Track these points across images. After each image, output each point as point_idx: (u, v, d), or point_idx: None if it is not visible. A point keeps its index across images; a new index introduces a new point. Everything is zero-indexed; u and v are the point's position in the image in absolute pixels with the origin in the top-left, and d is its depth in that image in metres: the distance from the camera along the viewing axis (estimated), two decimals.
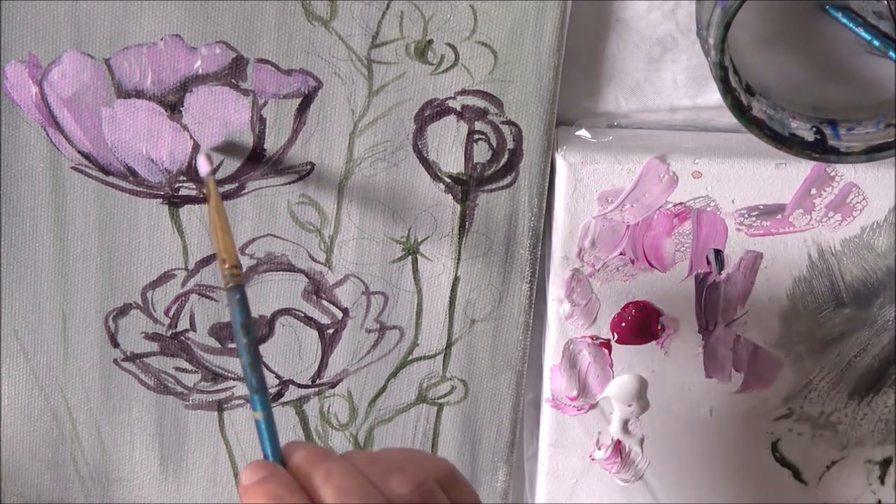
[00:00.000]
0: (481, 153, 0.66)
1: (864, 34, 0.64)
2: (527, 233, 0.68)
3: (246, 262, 0.68)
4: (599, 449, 0.74)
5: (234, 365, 0.71)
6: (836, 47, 0.66)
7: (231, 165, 0.65)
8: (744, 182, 0.67)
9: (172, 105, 0.64)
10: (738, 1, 0.58)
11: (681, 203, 0.67)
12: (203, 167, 0.63)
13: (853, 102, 0.67)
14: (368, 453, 0.56)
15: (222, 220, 0.60)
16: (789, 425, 0.74)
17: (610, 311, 0.70)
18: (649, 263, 0.69)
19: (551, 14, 0.63)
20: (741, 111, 0.62)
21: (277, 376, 0.71)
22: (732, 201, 0.67)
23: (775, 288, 0.70)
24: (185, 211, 0.66)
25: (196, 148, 0.64)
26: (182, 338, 0.70)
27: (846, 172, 0.67)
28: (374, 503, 0.50)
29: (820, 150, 0.64)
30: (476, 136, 0.66)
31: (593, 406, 0.73)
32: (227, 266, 0.57)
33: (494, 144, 0.66)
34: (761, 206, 0.68)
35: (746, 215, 0.68)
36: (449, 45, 0.64)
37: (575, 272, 0.69)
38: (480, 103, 0.65)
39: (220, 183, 0.66)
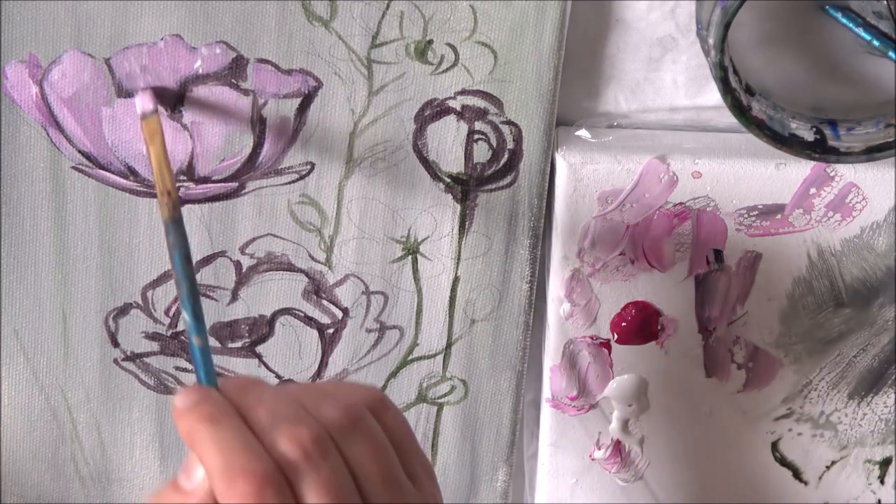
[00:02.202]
0: (481, 153, 0.66)
1: (864, 34, 0.64)
2: (527, 233, 0.68)
3: (246, 262, 0.68)
4: (599, 449, 0.74)
5: (234, 365, 0.71)
6: (836, 47, 0.66)
7: (231, 165, 0.65)
8: (743, 182, 0.67)
9: (172, 105, 0.64)
10: (738, 1, 0.58)
11: (681, 203, 0.67)
12: (147, 104, 0.62)
13: (853, 102, 0.67)
14: (301, 384, 0.56)
15: (167, 157, 0.59)
16: (789, 425, 0.74)
17: (610, 311, 0.70)
18: (649, 263, 0.69)
19: (551, 14, 0.63)
20: (741, 111, 0.62)
21: (278, 376, 0.71)
22: (732, 201, 0.67)
23: (775, 288, 0.70)
24: (185, 211, 0.66)
25: (195, 148, 0.65)
26: (182, 337, 0.70)
27: (846, 172, 0.67)
28: (307, 426, 0.51)
29: (820, 150, 0.64)
30: (476, 136, 0.66)
31: (593, 406, 0.73)
32: (167, 200, 0.57)
33: (494, 144, 0.66)
34: (761, 206, 0.68)
35: (746, 215, 0.68)
36: (449, 45, 0.64)
37: (575, 272, 0.69)
38: (480, 103, 0.65)
39: (219, 183, 0.66)
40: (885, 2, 0.64)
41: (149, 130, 0.60)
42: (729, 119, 0.63)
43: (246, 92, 0.64)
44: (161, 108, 0.63)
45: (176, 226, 0.57)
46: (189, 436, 0.51)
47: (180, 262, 0.56)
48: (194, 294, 0.55)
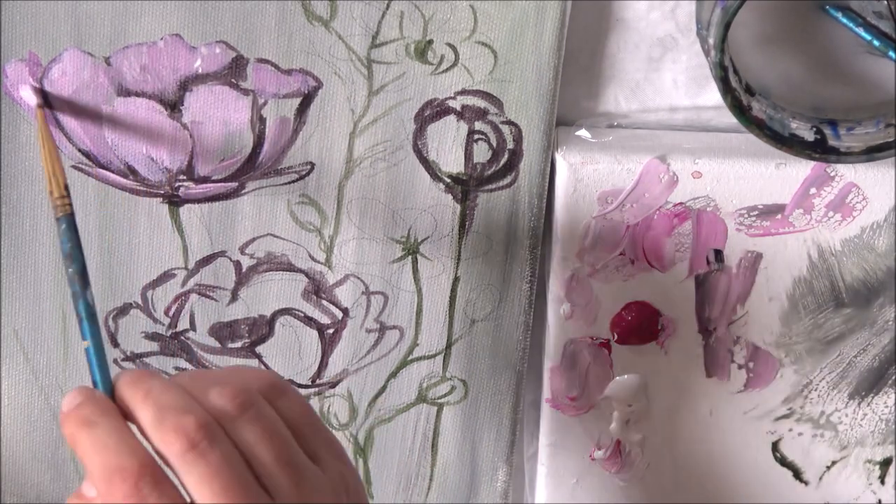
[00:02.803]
0: (481, 153, 0.66)
1: (864, 34, 0.64)
2: (527, 233, 0.68)
3: (246, 262, 0.68)
4: (599, 449, 0.74)
5: (234, 365, 0.71)
6: (836, 47, 0.66)
7: (231, 165, 0.65)
8: (744, 182, 0.67)
9: (172, 104, 0.64)
10: (738, 1, 0.58)
11: (681, 203, 0.67)
12: (31, 98, 0.62)
13: (853, 102, 0.67)
14: (192, 371, 0.56)
15: (55, 150, 0.59)
16: (789, 425, 0.74)
17: (610, 311, 0.70)
18: (649, 263, 0.69)
19: (551, 14, 0.63)
20: (741, 111, 0.62)
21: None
22: (732, 201, 0.67)
23: (775, 288, 0.70)
24: (185, 210, 0.66)
25: (195, 147, 0.65)
26: (182, 337, 0.70)
27: (846, 172, 0.67)
28: (193, 415, 0.50)
29: (820, 150, 0.64)
30: (476, 136, 0.66)
31: (593, 406, 0.73)
32: (56, 196, 0.57)
33: (494, 144, 0.66)
34: (761, 206, 0.68)
35: (746, 215, 0.68)
36: (449, 45, 0.64)
37: (575, 272, 0.69)
38: (480, 103, 0.65)
39: (219, 182, 0.66)
40: (886, 2, 0.64)
41: (41, 124, 0.61)
42: (729, 119, 0.63)
43: (246, 91, 0.64)
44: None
45: (64, 221, 0.57)
46: (72, 440, 0.51)
47: (68, 260, 0.56)
48: (85, 293, 0.55)
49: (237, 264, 0.68)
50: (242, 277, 0.69)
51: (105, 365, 0.54)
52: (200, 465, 0.50)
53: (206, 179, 0.66)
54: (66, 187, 0.58)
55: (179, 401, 0.51)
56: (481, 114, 0.65)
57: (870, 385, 0.73)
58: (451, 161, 0.66)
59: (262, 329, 0.70)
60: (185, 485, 0.50)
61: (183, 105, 0.64)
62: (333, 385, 0.72)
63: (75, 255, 0.56)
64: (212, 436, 0.50)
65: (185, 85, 0.63)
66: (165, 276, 0.68)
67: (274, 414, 0.53)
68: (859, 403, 0.74)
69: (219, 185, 0.66)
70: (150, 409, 0.51)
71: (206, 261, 0.68)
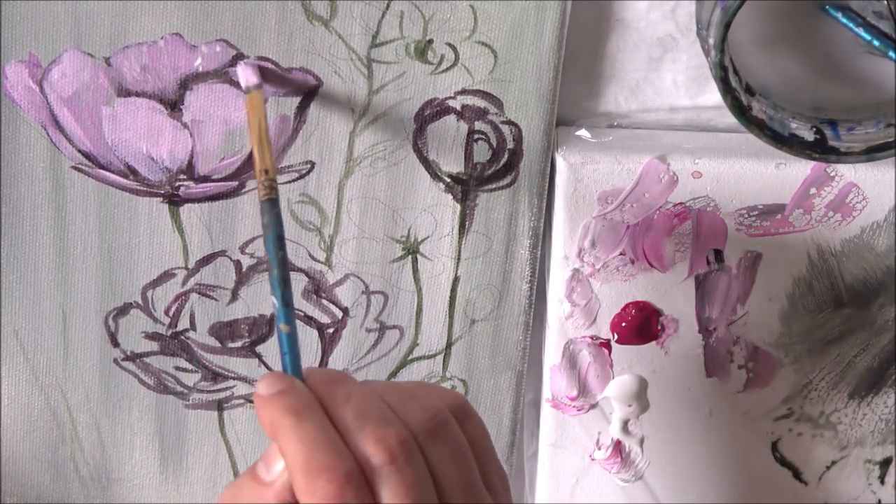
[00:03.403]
0: (481, 153, 0.66)
1: (864, 34, 0.64)
2: (527, 233, 0.68)
3: (246, 262, 0.68)
4: (599, 449, 0.74)
5: (234, 364, 0.71)
6: (836, 47, 0.66)
7: (231, 164, 0.65)
8: (744, 182, 0.67)
9: (173, 103, 0.64)
10: (738, 1, 0.58)
11: (681, 203, 0.67)
12: (251, 78, 0.60)
13: (853, 102, 0.67)
14: (386, 382, 0.56)
15: (267, 135, 0.58)
16: (789, 425, 0.74)
17: (610, 311, 0.70)
18: (649, 263, 0.69)
19: (551, 14, 0.63)
20: (741, 111, 0.62)
21: None
22: (732, 201, 0.67)
23: (775, 288, 0.70)
24: (186, 210, 0.66)
25: (195, 147, 0.65)
26: (182, 337, 0.70)
27: (846, 172, 0.67)
28: (393, 428, 0.50)
29: (820, 150, 0.64)
30: (476, 136, 0.66)
31: (593, 406, 0.73)
32: (265, 179, 0.56)
33: (494, 144, 0.66)
34: (761, 206, 0.68)
35: (746, 215, 0.68)
36: (449, 44, 0.64)
37: (575, 272, 0.69)
38: (480, 103, 0.65)
39: (219, 182, 0.66)
40: (886, 2, 0.64)
41: (251, 104, 0.59)
42: (729, 119, 0.63)
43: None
44: (266, 86, 0.61)
45: (271, 205, 0.55)
46: (271, 426, 0.50)
47: (273, 245, 0.54)
48: (285, 278, 0.54)
49: (237, 264, 0.68)
50: (243, 277, 0.69)
51: (298, 354, 0.53)
52: (395, 479, 0.50)
53: (206, 179, 0.66)
54: (276, 170, 0.57)
55: (380, 410, 0.51)
56: (481, 114, 0.65)
57: (869, 385, 0.73)
58: (451, 161, 0.66)
59: (262, 328, 0.70)
60: (376, 495, 0.50)
61: (183, 104, 0.64)
62: None
63: (283, 240, 0.55)
64: (409, 452, 0.50)
65: (186, 84, 0.63)
66: (165, 276, 0.68)
67: (463, 437, 0.53)
68: (859, 403, 0.74)
69: (219, 184, 0.66)
70: (352, 413, 0.51)
71: (207, 260, 0.68)
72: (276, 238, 0.54)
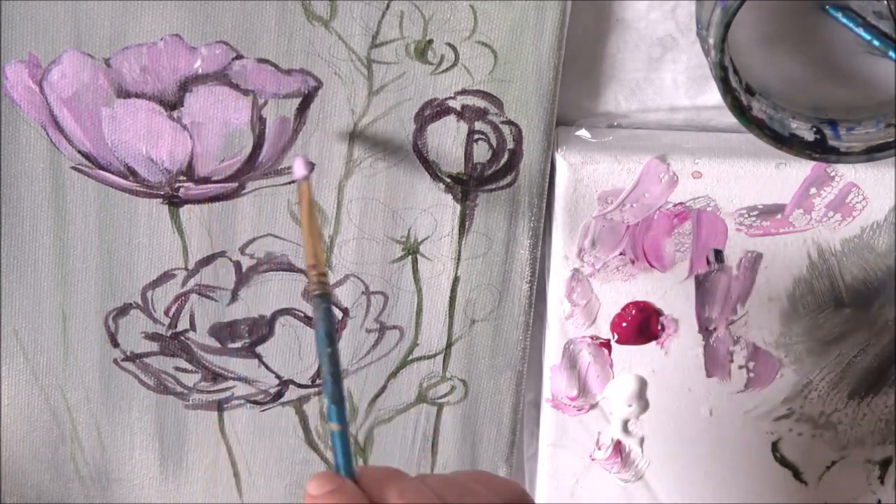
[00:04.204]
0: (481, 153, 0.66)
1: (864, 34, 0.64)
2: (527, 233, 0.68)
3: (246, 262, 0.68)
4: (599, 449, 0.74)
5: (234, 365, 0.71)
6: (836, 47, 0.66)
7: (231, 165, 0.65)
8: (744, 182, 0.67)
9: (172, 105, 0.64)
10: (738, 1, 0.58)
11: (681, 203, 0.67)
12: (300, 170, 0.61)
13: (853, 102, 0.67)
14: (440, 476, 0.55)
15: (314, 226, 0.58)
16: (789, 425, 0.74)
17: (610, 311, 0.70)
18: (649, 263, 0.69)
19: (551, 14, 0.63)
20: (741, 111, 0.62)
21: (277, 376, 0.71)
22: (732, 201, 0.67)
23: (775, 288, 0.70)
24: (185, 211, 0.66)
25: (195, 148, 0.65)
26: (182, 338, 0.70)
27: (846, 172, 0.67)
28: None
29: (820, 150, 0.64)
30: (476, 136, 0.66)
31: (593, 406, 0.73)
32: (315, 273, 0.56)
33: (494, 144, 0.66)
34: (761, 206, 0.68)
35: (746, 215, 0.68)
36: (449, 44, 0.64)
37: (575, 272, 0.69)
38: (480, 103, 0.65)
39: (219, 183, 0.66)
40: (886, 2, 0.64)
41: (302, 194, 0.59)
42: (729, 119, 0.63)
43: (246, 92, 0.64)
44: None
45: (321, 301, 0.55)
46: None
47: (323, 341, 0.54)
48: (336, 376, 0.54)
49: (237, 264, 0.68)
50: (242, 277, 0.69)
51: (350, 452, 0.53)
52: None
53: (206, 180, 0.66)
54: (325, 266, 0.56)
55: None
56: (481, 114, 0.65)
57: (869, 385, 0.73)
58: (451, 161, 0.66)
59: (262, 329, 0.70)
60: None
61: (183, 106, 0.64)
62: None
63: (333, 336, 0.54)
64: None
65: (185, 85, 0.63)
66: (165, 277, 0.68)
67: None
68: (859, 403, 0.74)
69: (219, 185, 0.66)
70: None
71: (206, 261, 0.68)
72: (327, 335, 0.54)
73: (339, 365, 0.55)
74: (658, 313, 0.70)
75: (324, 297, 0.55)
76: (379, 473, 0.53)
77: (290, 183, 0.66)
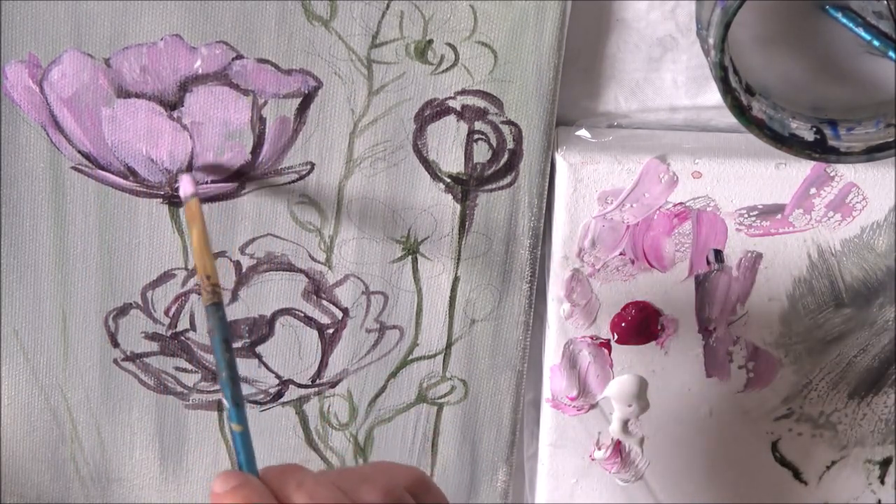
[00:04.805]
0: (481, 153, 0.66)
1: (864, 34, 0.64)
2: (527, 233, 0.68)
3: (246, 262, 0.68)
4: (599, 449, 0.74)
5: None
6: (836, 47, 0.66)
7: (231, 166, 0.65)
8: (744, 182, 0.67)
9: (172, 105, 0.64)
10: (738, 1, 0.58)
11: (681, 203, 0.67)
12: (187, 188, 0.63)
13: (853, 102, 0.67)
14: (340, 468, 0.57)
15: (205, 239, 0.60)
16: (789, 425, 0.74)
17: (610, 311, 0.70)
18: (649, 263, 0.69)
19: (551, 14, 0.63)
20: (741, 111, 0.62)
21: (277, 376, 0.71)
22: (732, 201, 0.67)
23: (775, 288, 0.70)
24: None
25: (194, 148, 0.65)
26: (182, 338, 0.70)
27: (846, 172, 0.67)
28: None
29: (820, 150, 0.64)
30: (476, 136, 0.66)
31: (593, 406, 0.73)
32: (209, 283, 0.58)
33: (494, 144, 0.66)
34: (761, 206, 0.68)
35: (746, 215, 0.68)
36: (449, 44, 0.64)
37: (575, 272, 0.69)
38: (480, 103, 0.65)
39: (219, 183, 0.66)
40: (886, 2, 0.64)
41: (189, 214, 0.62)
42: (729, 119, 0.63)
43: (246, 92, 0.64)
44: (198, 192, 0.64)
45: (215, 309, 0.57)
46: None
47: (220, 347, 0.56)
48: (234, 379, 0.56)
49: (237, 264, 0.68)
50: (242, 277, 0.69)
51: (252, 452, 0.55)
52: None
53: (205, 180, 0.66)
54: (217, 276, 0.59)
55: (332, 494, 0.52)
56: (481, 114, 0.65)
57: (869, 385, 0.73)
58: (451, 161, 0.66)
59: (262, 329, 0.70)
60: None
61: (183, 106, 0.64)
62: (333, 385, 0.72)
63: (229, 342, 0.57)
64: None
65: (185, 85, 0.63)
66: (165, 277, 0.68)
67: None
68: (859, 403, 0.74)
69: (218, 185, 0.66)
70: (303, 499, 0.52)
71: None
72: (223, 341, 0.56)
73: (236, 368, 0.57)
74: (658, 313, 0.70)
75: (217, 305, 0.58)
76: (280, 468, 0.54)
77: (290, 183, 0.66)
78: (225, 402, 0.56)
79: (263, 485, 0.53)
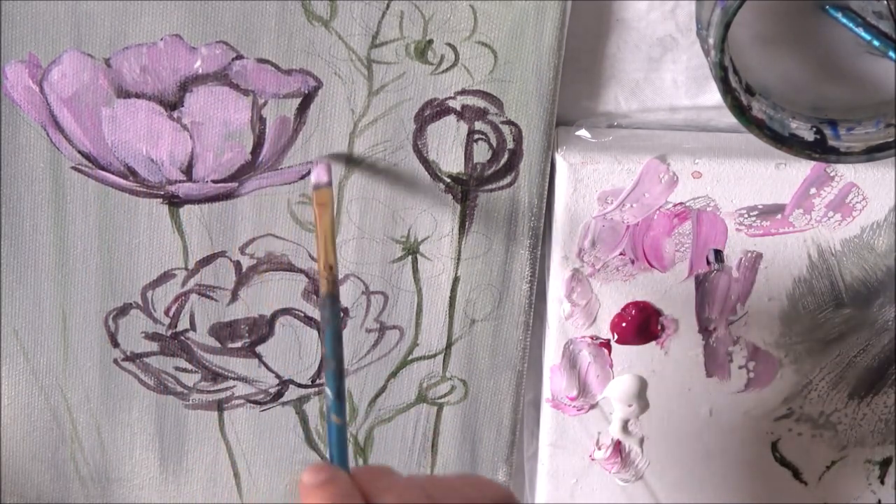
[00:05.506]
0: (481, 153, 0.66)
1: (864, 34, 0.64)
2: (527, 233, 0.68)
3: (246, 262, 0.68)
4: (599, 449, 0.74)
5: (234, 365, 0.71)
6: (836, 47, 0.66)
7: (231, 166, 0.65)
8: (744, 182, 0.67)
9: (172, 105, 0.64)
10: (738, 1, 0.58)
11: (681, 203, 0.67)
12: (322, 176, 0.63)
13: (853, 102, 0.67)
14: (430, 475, 0.57)
15: (332, 229, 0.61)
16: (789, 425, 0.74)
17: (610, 311, 0.70)
18: (649, 263, 0.69)
19: (551, 14, 0.63)
20: (741, 111, 0.62)
21: (277, 376, 0.71)
22: (732, 201, 0.67)
23: (775, 288, 0.70)
24: (185, 211, 0.66)
25: (195, 148, 0.65)
26: (182, 337, 0.70)
27: (846, 172, 0.67)
28: None
29: (820, 150, 0.64)
30: (476, 136, 0.66)
31: (593, 406, 0.73)
32: (328, 274, 0.58)
33: (494, 144, 0.66)
34: (761, 206, 0.68)
35: (746, 215, 0.68)
36: (449, 45, 0.64)
37: (575, 272, 0.69)
38: (480, 103, 0.65)
39: (219, 183, 0.66)
40: (886, 2, 0.64)
41: (318, 202, 0.61)
42: (729, 119, 0.63)
43: (246, 92, 0.64)
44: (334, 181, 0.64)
45: (332, 301, 0.57)
46: None
47: (331, 340, 0.56)
48: (340, 373, 0.56)
49: (237, 264, 0.68)
50: (242, 277, 0.69)
51: (346, 447, 0.55)
52: None
53: (206, 180, 0.66)
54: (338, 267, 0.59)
55: (420, 501, 0.52)
56: (481, 114, 0.65)
57: (869, 385, 0.73)
58: (451, 161, 0.66)
59: (262, 329, 0.70)
60: None
61: (183, 106, 0.64)
62: None
63: (340, 335, 0.57)
64: None
65: (185, 85, 0.63)
66: (165, 277, 0.68)
67: None
68: (859, 403, 0.74)
69: (219, 185, 0.66)
70: (392, 502, 0.52)
71: (206, 261, 0.68)
72: (335, 334, 0.56)
73: (343, 362, 0.57)
74: (658, 313, 0.70)
75: (334, 297, 0.57)
76: (370, 469, 0.54)
77: (290, 183, 0.66)
78: (328, 392, 0.55)
79: (353, 483, 0.52)
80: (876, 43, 0.64)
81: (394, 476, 0.53)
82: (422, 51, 0.64)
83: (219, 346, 0.70)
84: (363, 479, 0.53)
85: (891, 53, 0.64)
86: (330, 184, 0.63)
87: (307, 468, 0.53)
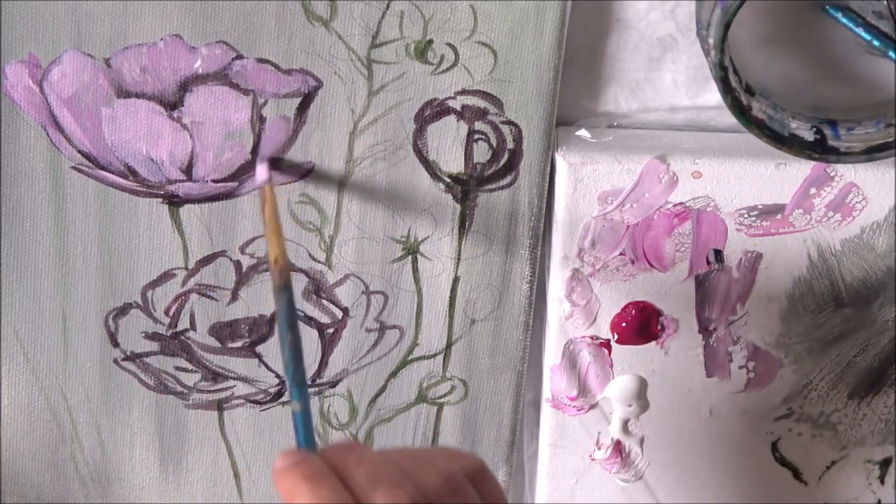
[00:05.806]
0: (481, 153, 0.66)
1: (864, 34, 0.64)
2: (527, 233, 0.68)
3: (246, 262, 0.68)
4: (599, 449, 0.74)
5: (234, 364, 0.71)
6: (836, 47, 0.66)
7: (231, 165, 0.65)
8: (744, 182, 0.67)
9: (172, 105, 0.64)
10: (738, 1, 0.58)
11: (681, 203, 0.67)
12: (262, 175, 0.64)
13: (853, 102, 0.67)
14: (401, 448, 0.57)
15: (277, 224, 0.61)
16: (789, 425, 0.74)
17: (610, 311, 0.70)
18: (649, 263, 0.69)
19: (551, 14, 0.63)
20: (741, 111, 0.62)
21: (277, 376, 0.71)
22: (732, 201, 0.67)
23: (775, 288, 0.70)
24: (185, 210, 0.66)
25: (195, 148, 0.65)
26: (182, 337, 0.70)
27: (846, 172, 0.67)
28: (404, 489, 0.51)
29: (820, 150, 0.64)
30: (476, 136, 0.66)
31: (593, 406, 0.73)
32: (278, 267, 0.59)
33: (494, 144, 0.66)
34: (761, 206, 0.68)
35: (746, 215, 0.68)
36: (449, 45, 0.64)
37: (575, 272, 0.69)
38: (480, 103, 0.65)
39: (219, 182, 0.66)
40: (886, 2, 0.64)
41: (265, 197, 0.62)
42: (729, 119, 0.63)
43: (246, 92, 0.64)
44: (274, 177, 0.65)
45: (284, 292, 0.58)
46: (289, 494, 0.52)
47: (285, 329, 0.56)
48: (297, 360, 0.56)
49: (237, 264, 0.68)
50: (242, 277, 0.69)
51: (312, 430, 0.55)
52: None
53: (206, 180, 0.66)
54: (286, 259, 0.60)
55: (393, 473, 0.52)
56: (481, 114, 0.65)
57: (869, 385, 0.73)
58: (451, 161, 0.66)
59: (262, 328, 0.70)
60: None
61: (183, 106, 0.64)
62: (333, 385, 0.72)
63: (295, 324, 0.57)
64: None
65: (185, 85, 0.63)
66: (165, 276, 0.68)
67: (477, 498, 0.54)
68: (859, 403, 0.74)
69: (219, 185, 0.66)
70: (364, 476, 0.52)
71: (207, 260, 0.68)
72: (289, 324, 0.57)
73: (301, 349, 0.56)
74: (658, 313, 0.70)
75: (286, 288, 0.58)
76: (339, 445, 0.54)
77: (289, 183, 0.66)
78: (287, 380, 0.56)
79: (324, 462, 0.53)
80: (876, 43, 0.64)
81: (364, 450, 0.54)
82: (422, 51, 0.64)
83: (219, 345, 0.70)
84: (333, 456, 0.53)
85: (891, 53, 0.64)
86: (269, 180, 0.63)
87: (278, 455, 0.54)
